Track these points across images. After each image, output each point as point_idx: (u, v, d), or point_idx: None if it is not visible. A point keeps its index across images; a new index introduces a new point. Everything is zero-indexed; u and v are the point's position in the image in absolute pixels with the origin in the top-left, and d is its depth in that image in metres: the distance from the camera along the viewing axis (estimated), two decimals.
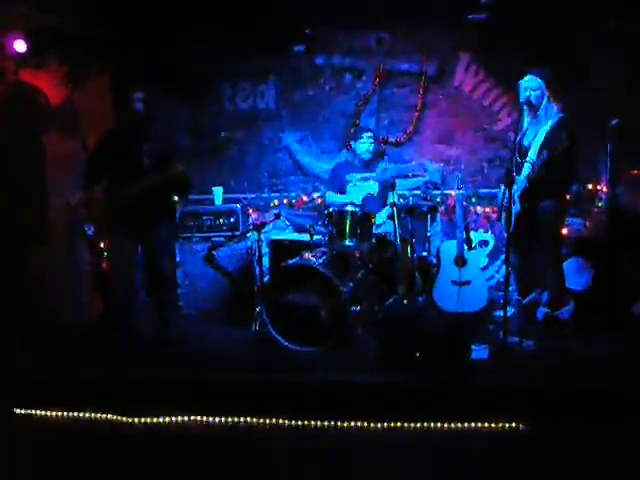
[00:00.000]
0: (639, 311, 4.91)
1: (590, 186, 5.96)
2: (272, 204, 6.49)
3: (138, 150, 4.79)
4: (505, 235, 4.57)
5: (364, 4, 5.85)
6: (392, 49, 6.42)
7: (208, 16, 5.83)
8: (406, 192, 6.12)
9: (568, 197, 5.02)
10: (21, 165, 5.44)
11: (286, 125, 6.67)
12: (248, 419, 3.98)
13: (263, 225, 5.15)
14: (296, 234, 5.84)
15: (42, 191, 5.59)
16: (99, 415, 4.12)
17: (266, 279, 5.18)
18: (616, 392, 3.86)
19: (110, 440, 3.94)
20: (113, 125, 5.08)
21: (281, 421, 3.95)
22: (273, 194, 6.60)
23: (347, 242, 4.95)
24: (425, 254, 5.73)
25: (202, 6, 5.60)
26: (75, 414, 4.17)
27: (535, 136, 4.68)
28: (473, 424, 3.78)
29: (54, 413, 4.19)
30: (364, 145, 5.76)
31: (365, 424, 3.86)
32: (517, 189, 4.65)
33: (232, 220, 5.96)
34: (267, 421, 3.97)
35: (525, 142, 4.76)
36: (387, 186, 5.56)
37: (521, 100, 4.66)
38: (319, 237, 5.18)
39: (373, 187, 5.71)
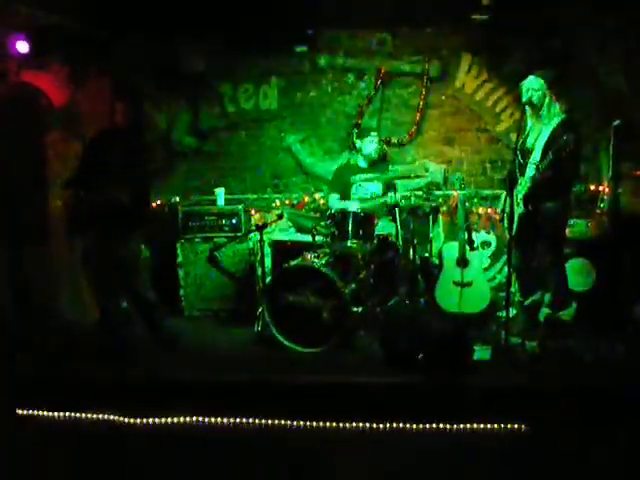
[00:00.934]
0: None
1: (592, 187, 5.96)
2: (274, 205, 6.50)
3: (109, 161, 4.64)
4: (507, 236, 4.57)
5: (366, 5, 5.84)
6: (394, 50, 6.42)
7: (210, 16, 5.82)
8: (408, 193, 6.11)
9: (571, 198, 5.01)
10: (22, 165, 5.45)
11: (288, 126, 6.67)
12: (249, 419, 3.98)
13: (265, 226, 5.14)
14: (298, 235, 5.83)
15: (43, 191, 5.59)
16: (99, 416, 4.12)
17: (268, 280, 5.17)
18: (617, 393, 3.86)
19: (110, 440, 3.93)
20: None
21: (282, 421, 3.95)
22: (275, 195, 6.60)
23: (349, 243, 4.94)
24: (427, 255, 5.72)
25: (204, 6, 5.59)
26: (75, 415, 4.16)
27: (538, 137, 4.68)
28: (475, 425, 3.77)
29: (54, 414, 4.19)
30: (372, 144, 5.76)
31: (365, 424, 3.86)
32: (520, 190, 4.64)
33: (234, 221, 5.96)
34: (268, 421, 3.96)
35: (528, 143, 4.75)
36: (389, 187, 5.56)
37: (523, 100, 4.65)
38: (321, 238, 5.18)
39: (377, 188, 5.70)
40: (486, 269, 5.81)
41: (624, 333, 4.75)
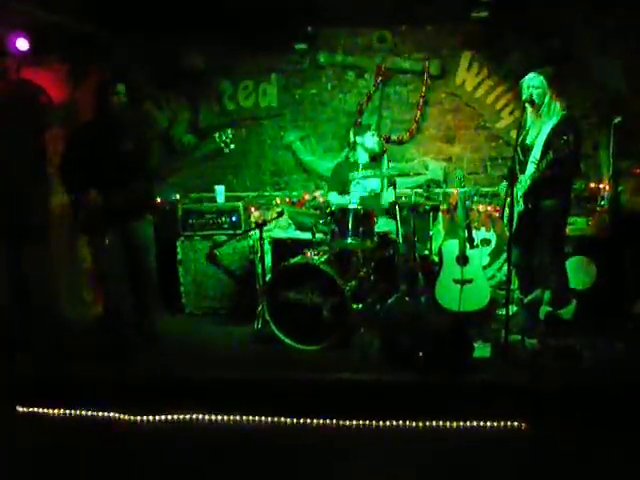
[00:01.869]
0: None
1: (593, 185, 5.95)
2: (274, 202, 6.50)
3: (114, 146, 4.59)
4: (507, 234, 4.57)
5: (366, 2, 5.84)
6: (394, 47, 6.42)
7: (210, 14, 5.82)
8: (408, 190, 6.11)
9: (571, 195, 5.01)
10: (22, 163, 5.44)
11: (288, 123, 6.67)
12: (249, 417, 3.99)
13: (265, 223, 5.14)
14: (298, 232, 5.83)
15: (43, 190, 5.59)
16: (99, 414, 4.12)
17: (268, 277, 5.17)
18: (618, 391, 3.86)
19: (110, 438, 3.94)
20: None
21: (282, 419, 3.95)
22: (275, 192, 6.60)
23: (349, 240, 4.94)
24: (427, 253, 5.72)
25: (204, 4, 5.59)
26: (75, 412, 4.17)
27: (538, 134, 4.67)
28: (475, 422, 3.78)
29: (55, 411, 4.19)
30: (373, 138, 5.76)
31: (365, 422, 3.87)
32: (520, 188, 4.64)
33: (234, 218, 5.96)
34: (268, 419, 3.97)
35: (528, 140, 4.74)
36: (389, 184, 5.56)
37: (523, 98, 4.64)
38: (321, 235, 5.18)
39: (376, 184, 5.70)
40: (486, 267, 5.80)
41: (624, 331, 4.75)
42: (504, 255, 5.77)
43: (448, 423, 3.80)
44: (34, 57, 5.46)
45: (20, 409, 4.22)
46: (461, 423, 3.79)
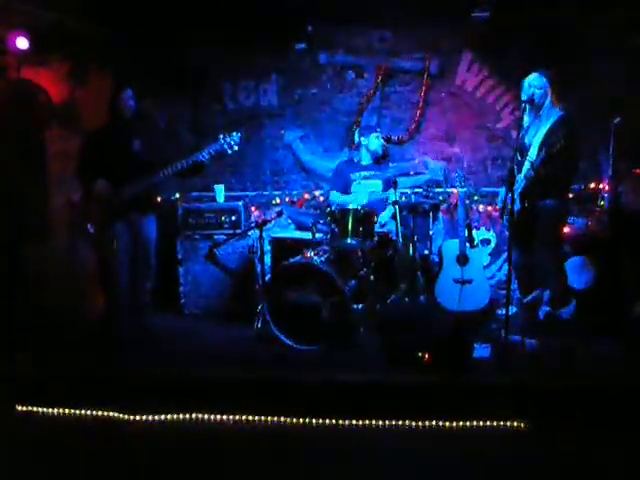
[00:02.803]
0: None
1: (592, 185, 5.96)
2: (274, 202, 6.50)
3: (128, 149, 4.83)
4: (507, 234, 4.58)
5: (366, 2, 5.84)
6: (394, 47, 6.42)
7: (210, 14, 5.82)
8: (408, 190, 6.11)
9: (570, 196, 5.01)
10: (22, 162, 5.44)
11: (288, 123, 6.67)
12: (249, 417, 3.99)
13: (265, 223, 5.14)
14: (298, 232, 5.84)
15: (43, 189, 5.59)
16: (99, 413, 4.12)
17: (268, 277, 5.17)
18: (617, 391, 3.87)
19: (110, 438, 3.93)
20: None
21: (282, 419, 3.95)
22: (275, 192, 6.60)
23: (349, 240, 4.94)
24: (427, 252, 5.72)
25: (204, 4, 5.59)
26: (75, 412, 4.17)
27: (536, 134, 4.68)
28: (475, 423, 3.78)
29: (54, 411, 4.19)
30: (378, 140, 5.77)
31: (365, 422, 3.87)
32: (517, 187, 4.64)
33: (234, 218, 5.96)
34: (268, 419, 3.97)
35: (526, 140, 4.76)
36: (389, 184, 5.57)
37: (524, 98, 4.65)
38: (321, 235, 5.18)
39: (377, 185, 5.71)
40: (486, 267, 5.81)
41: (624, 331, 4.75)
42: (504, 255, 5.77)
43: (448, 423, 3.80)
44: (34, 56, 5.45)
45: (20, 408, 4.23)
46: (461, 423, 3.79)
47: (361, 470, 3.46)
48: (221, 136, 4.82)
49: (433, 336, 4.10)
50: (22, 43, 5.24)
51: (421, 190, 6.13)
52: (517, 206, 4.62)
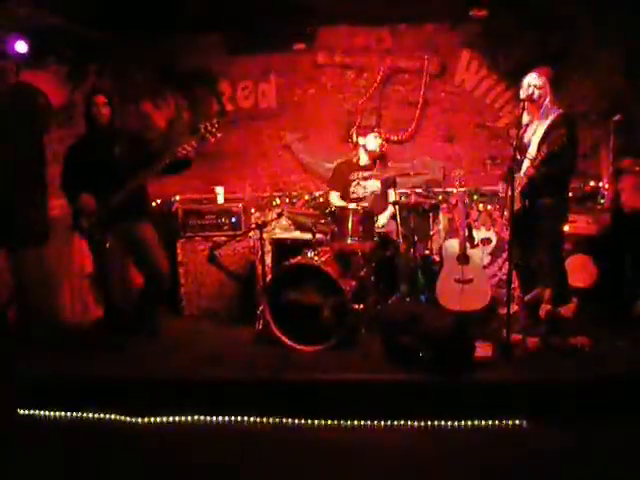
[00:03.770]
0: None
1: (592, 183, 5.95)
2: (274, 203, 6.49)
3: (107, 157, 4.72)
4: (507, 232, 4.57)
5: (365, 1, 5.83)
6: (393, 46, 6.41)
7: (209, 14, 5.82)
8: (408, 190, 6.10)
9: (570, 194, 5.01)
10: (22, 165, 5.44)
11: (287, 123, 6.66)
12: (250, 418, 3.99)
13: (265, 224, 5.13)
14: (298, 233, 5.83)
15: (42, 192, 5.58)
16: (100, 415, 4.13)
17: (269, 278, 5.17)
18: (618, 388, 3.86)
19: (110, 440, 3.93)
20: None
21: (283, 420, 3.96)
22: (275, 193, 6.60)
23: (349, 240, 4.94)
24: (427, 252, 5.72)
25: (203, 4, 5.59)
26: (75, 414, 4.17)
27: (535, 133, 4.68)
28: (476, 422, 3.78)
29: (54, 413, 4.19)
30: (376, 139, 5.77)
31: (366, 422, 3.87)
32: (517, 186, 4.64)
33: (234, 219, 5.96)
34: (269, 420, 3.97)
35: (526, 139, 4.76)
36: (389, 184, 5.57)
37: (523, 96, 4.65)
38: (321, 236, 5.17)
39: (376, 186, 5.70)
40: (487, 266, 5.80)
41: (625, 329, 4.75)
42: (504, 254, 5.76)
43: (449, 422, 3.80)
44: (33, 59, 5.45)
45: (20, 409, 4.23)
46: (462, 422, 3.79)
47: (361, 470, 3.46)
48: (201, 125, 4.76)
49: (434, 336, 4.10)
50: (21, 47, 5.23)
51: (421, 190, 6.13)
52: (517, 204, 4.62)
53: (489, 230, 6.03)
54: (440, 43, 6.33)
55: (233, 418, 4.01)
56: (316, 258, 4.84)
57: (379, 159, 5.87)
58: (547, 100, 4.63)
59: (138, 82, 6.45)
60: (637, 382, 3.89)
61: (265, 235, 5.15)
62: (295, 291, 4.76)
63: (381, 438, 3.79)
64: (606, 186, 5.74)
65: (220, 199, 6.18)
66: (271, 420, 3.97)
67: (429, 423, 3.82)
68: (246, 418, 4.00)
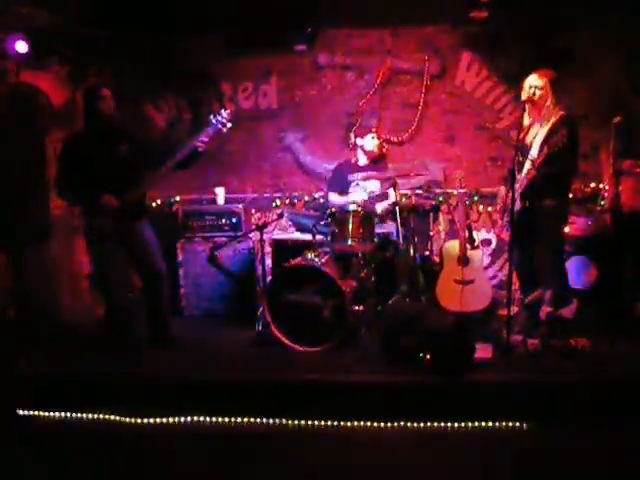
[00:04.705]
0: None
1: (593, 184, 5.95)
2: (274, 204, 6.49)
3: (110, 152, 4.63)
4: (507, 234, 4.57)
5: (366, 3, 5.84)
6: (394, 48, 6.42)
7: (210, 15, 5.82)
8: (408, 191, 6.10)
9: (570, 195, 5.01)
10: (22, 165, 5.44)
11: (288, 124, 6.66)
12: (250, 419, 3.99)
13: (265, 225, 5.14)
14: (298, 234, 5.83)
15: (43, 192, 5.59)
16: (100, 415, 4.12)
17: (269, 279, 5.17)
18: (619, 390, 3.86)
19: (110, 440, 3.93)
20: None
21: (283, 421, 3.95)
22: (275, 194, 6.60)
23: (349, 241, 4.94)
24: (428, 253, 5.72)
25: (203, 5, 5.59)
26: (76, 415, 4.17)
27: (537, 134, 4.68)
28: (476, 423, 3.78)
29: (55, 414, 4.19)
30: (373, 140, 5.77)
31: (366, 423, 3.87)
32: (518, 187, 4.64)
33: (234, 220, 5.96)
34: (269, 421, 3.97)
35: (527, 140, 4.75)
36: (389, 186, 5.56)
37: (524, 98, 4.65)
38: (321, 237, 5.17)
39: (376, 186, 5.70)
40: (487, 267, 5.80)
41: (625, 330, 4.75)
42: (505, 255, 5.76)
43: (449, 423, 3.80)
44: (33, 60, 5.45)
45: (20, 410, 4.23)
46: (462, 423, 3.79)
47: (361, 470, 3.46)
48: (212, 117, 4.71)
49: (434, 337, 4.10)
50: (21, 47, 5.23)
51: (421, 191, 6.13)
52: (518, 206, 4.63)
53: (489, 231, 6.03)
54: (441, 44, 6.34)
55: (233, 419, 4.01)
56: (316, 259, 4.84)
57: (379, 159, 5.86)
58: (548, 102, 4.63)
59: (138, 83, 6.44)
60: (637, 383, 3.89)
61: (265, 236, 5.15)
62: (295, 292, 4.76)
63: (381, 439, 3.79)
64: (606, 187, 5.74)
65: (220, 200, 6.18)
66: (271, 421, 3.97)
67: (429, 424, 3.82)
68: (246, 419, 4.00)
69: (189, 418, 4.03)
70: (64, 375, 4.41)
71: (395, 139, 6.46)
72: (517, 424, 3.76)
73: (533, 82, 4.65)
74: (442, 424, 3.80)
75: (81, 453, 3.74)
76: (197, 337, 5.28)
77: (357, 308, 4.81)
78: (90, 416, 4.14)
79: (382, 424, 3.85)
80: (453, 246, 5.36)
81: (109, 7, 5.42)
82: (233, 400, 4.08)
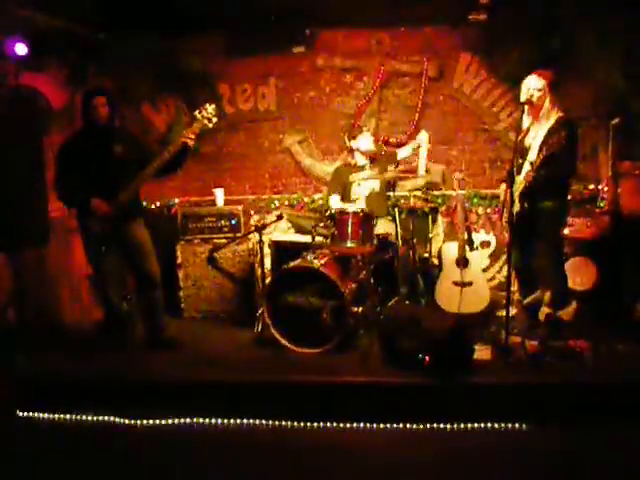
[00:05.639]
0: None
1: (592, 186, 5.95)
2: (273, 206, 6.50)
3: (105, 154, 4.64)
4: (506, 235, 4.57)
5: (364, 5, 5.84)
6: (392, 50, 6.42)
7: (208, 17, 5.82)
8: (407, 193, 6.10)
9: (569, 197, 5.01)
10: (22, 167, 5.45)
11: (287, 126, 6.67)
12: (250, 420, 3.99)
13: (265, 227, 5.13)
14: (298, 235, 5.83)
15: (42, 194, 5.59)
16: (99, 417, 4.12)
17: (268, 281, 5.17)
18: (618, 391, 3.86)
19: (110, 442, 3.93)
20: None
21: (283, 423, 3.95)
22: (274, 195, 6.60)
23: (349, 243, 4.94)
24: (427, 255, 5.72)
25: (202, 7, 5.59)
26: (75, 416, 4.17)
27: (536, 136, 4.68)
28: (476, 424, 3.78)
29: (54, 415, 4.19)
30: (367, 138, 5.77)
31: (365, 424, 3.87)
32: (517, 189, 4.64)
33: (233, 222, 5.96)
34: (269, 422, 3.97)
35: (526, 142, 4.75)
36: (389, 187, 5.57)
37: (522, 99, 4.65)
38: (321, 238, 5.17)
39: (375, 186, 5.70)
40: (486, 269, 5.80)
41: (624, 332, 4.75)
42: (504, 257, 5.76)
43: (449, 425, 3.80)
44: (33, 62, 5.45)
45: (20, 411, 4.23)
46: (462, 425, 3.79)
47: (361, 470, 3.46)
48: (197, 112, 4.71)
49: (433, 338, 4.10)
50: (21, 49, 5.23)
51: (420, 193, 6.13)
52: (516, 207, 4.63)
53: (488, 233, 6.03)
54: (439, 46, 6.35)
55: (232, 421, 4.01)
56: (315, 261, 4.83)
57: (379, 155, 5.82)
58: (547, 103, 4.63)
59: (138, 83, 6.44)
60: (636, 385, 3.89)
61: (265, 237, 5.15)
62: (294, 294, 4.76)
63: (381, 441, 3.79)
64: (605, 189, 5.74)
65: (219, 201, 6.18)
66: (270, 422, 3.97)
67: (428, 426, 3.82)
68: (245, 420, 4.00)
69: (188, 419, 4.03)
70: (64, 376, 4.41)
71: (394, 141, 6.46)
72: (516, 425, 3.77)
73: (532, 83, 4.64)
74: (442, 425, 3.81)
75: (80, 455, 3.74)
76: (196, 339, 5.28)
77: (356, 310, 4.80)
78: (89, 418, 4.14)
79: (381, 426, 3.85)
80: (452, 248, 5.37)
81: (109, 8, 5.42)
82: (232, 402, 4.08)
